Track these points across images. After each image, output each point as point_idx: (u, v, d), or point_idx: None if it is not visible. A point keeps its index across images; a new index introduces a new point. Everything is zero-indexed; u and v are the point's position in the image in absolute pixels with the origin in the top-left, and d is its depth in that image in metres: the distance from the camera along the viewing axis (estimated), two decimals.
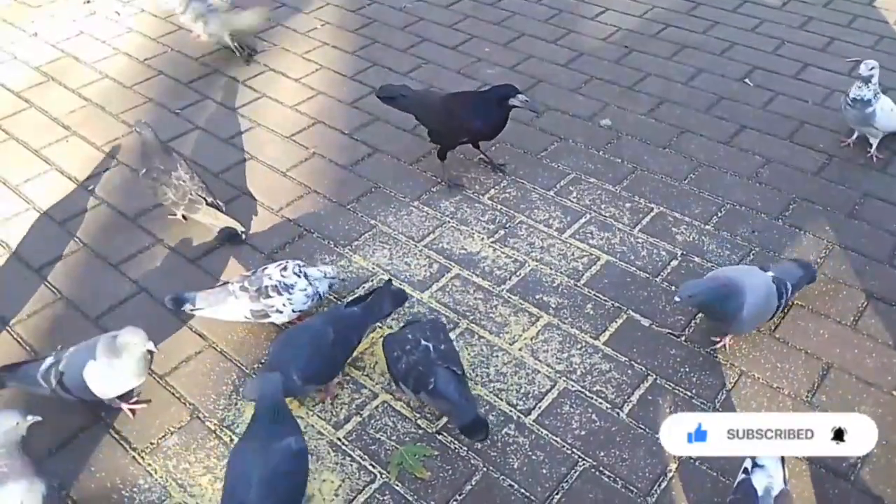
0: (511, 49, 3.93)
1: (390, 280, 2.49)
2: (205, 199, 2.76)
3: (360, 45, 4.07)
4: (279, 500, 1.79)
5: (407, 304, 2.52)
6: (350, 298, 2.47)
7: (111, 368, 2.08)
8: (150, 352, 2.10)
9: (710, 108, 3.56)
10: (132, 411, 2.21)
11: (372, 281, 2.64)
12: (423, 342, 2.15)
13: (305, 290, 2.35)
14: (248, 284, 2.33)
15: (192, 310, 2.35)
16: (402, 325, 2.34)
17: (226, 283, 2.43)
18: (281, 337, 2.27)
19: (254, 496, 1.73)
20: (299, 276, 2.36)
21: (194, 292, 2.36)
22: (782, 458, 1.81)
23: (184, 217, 2.86)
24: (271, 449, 1.80)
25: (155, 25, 4.28)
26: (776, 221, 2.89)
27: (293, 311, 2.35)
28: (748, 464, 1.82)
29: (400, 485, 2.04)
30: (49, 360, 2.13)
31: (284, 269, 2.36)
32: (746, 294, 2.24)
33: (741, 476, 1.82)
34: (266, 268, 2.38)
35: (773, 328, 2.45)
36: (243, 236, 2.79)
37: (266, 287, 2.31)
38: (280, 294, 2.31)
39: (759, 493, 1.74)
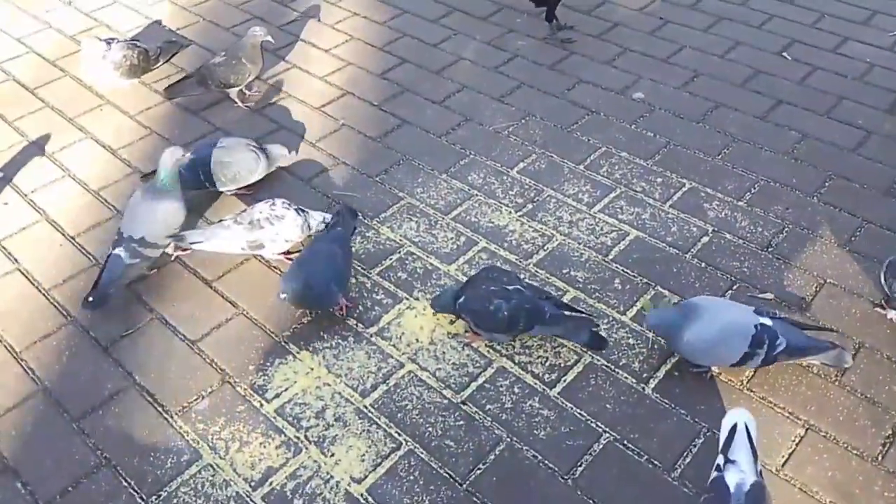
0: (543, 20, 3.87)
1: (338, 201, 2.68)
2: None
3: (391, 15, 4.05)
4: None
5: (434, 277, 2.53)
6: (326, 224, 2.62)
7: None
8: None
9: (746, 81, 3.49)
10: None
11: (399, 252, 2.65)
12: (510, 286, 2.25)
13: (295, 220, 2.53)
14: (241, 219, 2.55)
15: (191, 244, 2.55)
16: (461, 285, 2.35)
17: (221, 220, 2.65)
18: (294, 266, 2.43)
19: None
20: (288, 210, 2.54)
21: (190, 230, 2.59)
22: (754, 452, 1.80)
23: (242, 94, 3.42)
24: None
25: None
26: (811, 199, 2.84)
27: (285, 240, 2.54)
28: (720, 460, 1.82)
29: (424, 452, 2.07)
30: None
31: (273, 204, 2.57)
32: (700, 321, 2.13)
33: (714, 474, 1.81)
34: (255, 205, 2.59)
35: (803, 306, 2.42)
36: (292, 154, 2.99)
37: (258, 220, 2.51)
38: (272, 224, 2.51)
39: (732, 489, 1.74)
